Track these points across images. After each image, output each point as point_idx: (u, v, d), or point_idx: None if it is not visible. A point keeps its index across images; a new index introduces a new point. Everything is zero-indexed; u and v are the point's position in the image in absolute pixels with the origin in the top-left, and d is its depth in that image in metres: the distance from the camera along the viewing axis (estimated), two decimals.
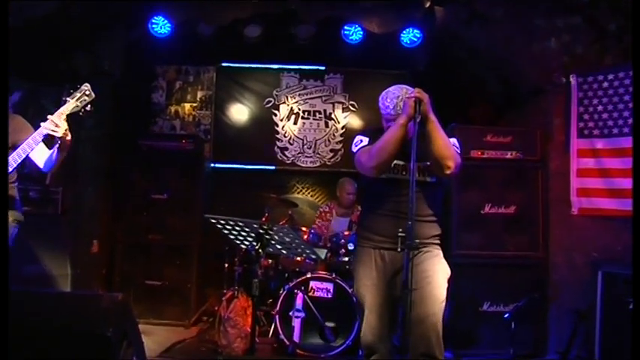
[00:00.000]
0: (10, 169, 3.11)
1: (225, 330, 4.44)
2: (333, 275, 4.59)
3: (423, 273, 2.78)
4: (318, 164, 6.54)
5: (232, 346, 4.40)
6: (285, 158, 6.53)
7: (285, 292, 4.55)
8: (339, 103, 6.58)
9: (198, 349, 4.68)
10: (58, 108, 3.12)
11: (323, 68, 6.60)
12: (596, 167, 4.39)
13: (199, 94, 6.61)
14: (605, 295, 4.02)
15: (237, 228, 2.83)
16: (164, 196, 5.48)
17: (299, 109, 6.57)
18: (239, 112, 6.58)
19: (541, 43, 4.63)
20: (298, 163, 6.53)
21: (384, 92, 2.93)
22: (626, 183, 4.08)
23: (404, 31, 5.55)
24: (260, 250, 2.79)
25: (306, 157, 6.54)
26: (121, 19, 5.22)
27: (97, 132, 5.35)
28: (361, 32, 5.56)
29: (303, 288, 4.53)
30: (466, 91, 6.11)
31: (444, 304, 2.79)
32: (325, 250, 4.92)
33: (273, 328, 4.62)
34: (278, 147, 6.53)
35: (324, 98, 6.58)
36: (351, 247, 4.78)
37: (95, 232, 5.49)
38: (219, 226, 2.84)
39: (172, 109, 6.61)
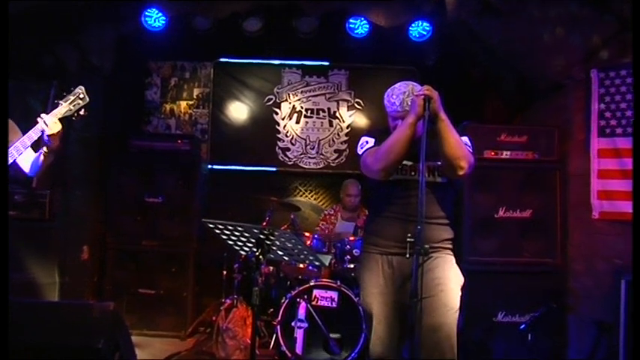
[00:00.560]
0: None
1: (224, 341, 4.44)
2: (338, 283, 4.58)
3: (435, 280, 2.76)
4: (321, 166, 6.53)
5: (231, 359, 4.40)
6: (287, 159, 6.52)
7: (287, 301, 4.54)
8: (344, 100, 6.58)
9: None
10: (46, 107, 3.13)
11: (327, 64, 6.59)
12: (619, 168, 4.36)
13: (196, 92, 6.61)
14: (630, 305, 3.98)
15: (237, 233, 2.82)
16: (159, 200, 5.47)
17: (301, 108, 6.56)
18: (238, 111, 6.58)
19: (559, 36, 4.60)
20: (301, 164, 6.53)
21: (389, 89, 2.94)
22: None
23: (412, 24, 5.54)
24: (260, 257, 2.77)
25: (309, 158, 6.53)
26: (112, 11, 5.22)
27: (86, 132, 5.35)
28: (367, 26, 5.56)
29: (306, 297, 4.51)
30: (479, 87, 6.11)
31: (457, 313, 2.78)
32: (329, 257, 4.91)
33: (275, 340, 4.60)
34: (279, 147, 6.52)
35: (328, 95, 6.58)
36: (356, 253, 4.77)
37: (85, 238, 5.49)
38: (217, 231, 2.83)
39: (167, 107, 6.61)
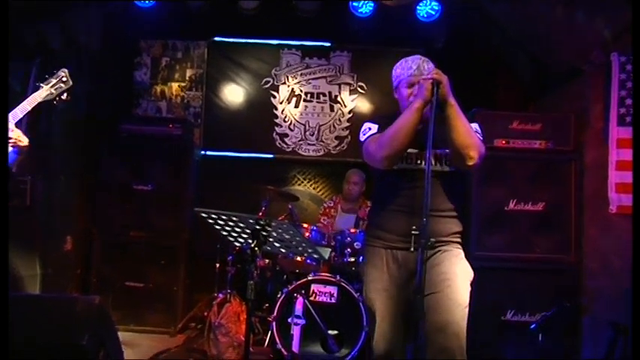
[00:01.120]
0: None
1: (216, 338, 4.45)
2: (338, 277, 4.58)
3: (442, 275, 2.75)
4: (321, 153, 6.52)
5: (223, 357, 4.40)
6: (285, 146, 6.51)
7: (283, 295, 4.54)
8: (346, 84, 6.55)
9: None
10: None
11: (328, 45, 6.56)
12: None
13: (188, 73, 6.58)
14: None
15: (231, 223, 2.81)
16: (148, 188, 5.48)
17: (301, 91, 6.54)
18: (233, 94, 6.55)
19: (577, 16, 4.57)
20: (299, 151, 6.51)
21: (398, 62, 2.93)
22: None
23: (420, 3, 5.54)
24: (256, 249, 2.76)
25: (309, 144, 6.51)
26: None
27: (71, 115, 5.33)
28: (372, 4, 5.54)
29: (303, 292, 4.52)
30: (490, 71, 6.09)
31: (466, 310, 2.76)
32: (329, 250, 4.91)
33: (270, 337, 4.61)
34: (277, 133, 6.51)
35: (329, 79, 6.55)
36: (358, 246, 4.77)
37: (69, 228, 5.50)
38: (210, 221, 2.82)
39: (158, 89, 6.58)
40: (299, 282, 4.57)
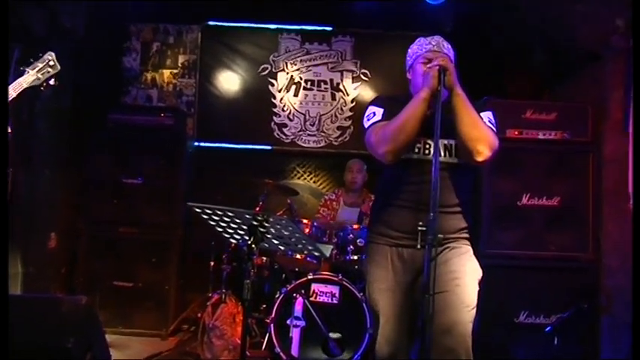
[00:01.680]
0: None
1: (210, 341, 4.46)
2: (340, 276, 4.58)
3: (450, 274, 2.75)
4: (322, 144, 6.53)
5: None
6: (284, 137, 6.51)
7: (281, 296, 4.55)
8: (349, 71, 6.55)
9: None
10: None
11: (330, 29, 6.57)
12: None
13: (181, 59, 6.59)
14: None
15: (226, 219, 2.81)
16: (138, 181, 5.48)
17: (300, 78, 6.55)
18: (228, 81, 6.56)
19: None
20: (299, 142, 6.52)
21: (416, 40, 2.95)
22: None
23: None
24: (253, 246, 2.76)
25: (309, 135, 6.52)
26: None
27: (56, 103, 5.34)
28: None
29: (303, 291, 4.53)
30: (502, 58, 6.07)
31: (474, 311, 2.77)
32: (330, 247, 4.90)
33: (267, 340, 4.60)
34: (275, 123, 6.52)
35: (330, 65, 6.55)
36: (361, 243, 4.77)
37: (53, 224, 5.51)
38: (204, 216, 2.82)
39: (148, 76, 6.59)
40: (298, 281, 4.58)
